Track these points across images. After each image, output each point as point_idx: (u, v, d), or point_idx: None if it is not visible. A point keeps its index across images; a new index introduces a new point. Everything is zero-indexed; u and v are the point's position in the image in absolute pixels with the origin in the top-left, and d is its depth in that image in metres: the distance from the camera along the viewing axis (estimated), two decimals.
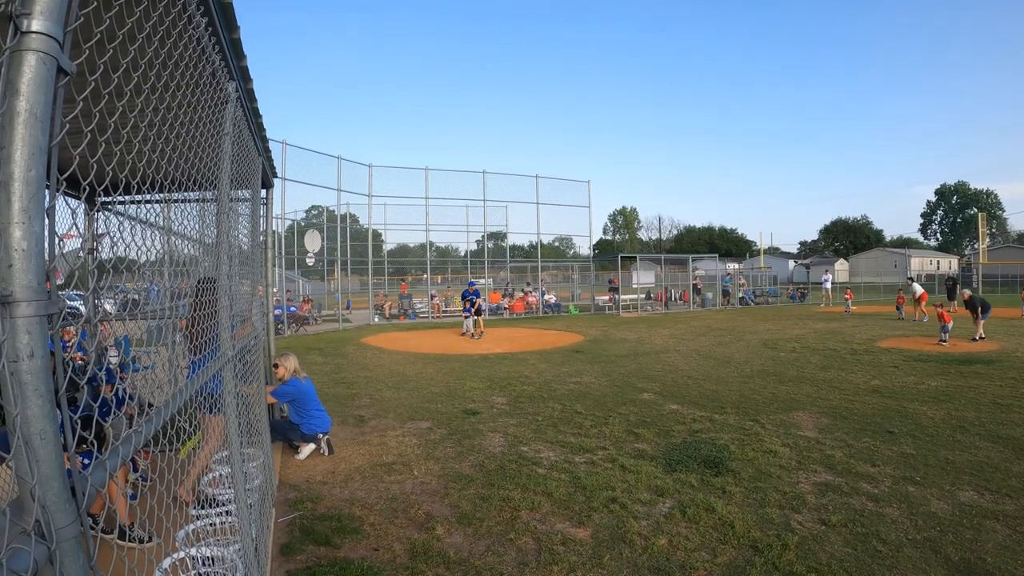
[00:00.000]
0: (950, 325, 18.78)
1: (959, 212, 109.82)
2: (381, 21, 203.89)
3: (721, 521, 5.60)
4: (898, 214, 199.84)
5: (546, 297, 33.75)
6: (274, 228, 20.98)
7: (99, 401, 1.68)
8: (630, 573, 4.72)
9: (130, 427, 1.75)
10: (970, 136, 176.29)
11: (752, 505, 6.03)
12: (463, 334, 22.34)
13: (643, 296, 35.61)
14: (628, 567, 4.81)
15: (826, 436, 8.53)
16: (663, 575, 4.68)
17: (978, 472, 7.15)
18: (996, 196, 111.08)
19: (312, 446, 7.79)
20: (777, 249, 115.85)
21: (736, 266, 58.12)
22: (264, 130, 5.95)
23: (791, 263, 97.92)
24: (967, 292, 21.14)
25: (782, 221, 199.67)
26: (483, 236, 33.93)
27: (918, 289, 27.22)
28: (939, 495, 6.44)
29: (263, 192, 7.73)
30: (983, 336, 19.17)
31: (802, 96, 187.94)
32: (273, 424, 7.75)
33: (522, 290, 34.39)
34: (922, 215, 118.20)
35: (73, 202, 6.36)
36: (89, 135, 1.52)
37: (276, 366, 8.03)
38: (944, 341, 18.44)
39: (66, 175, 1.38)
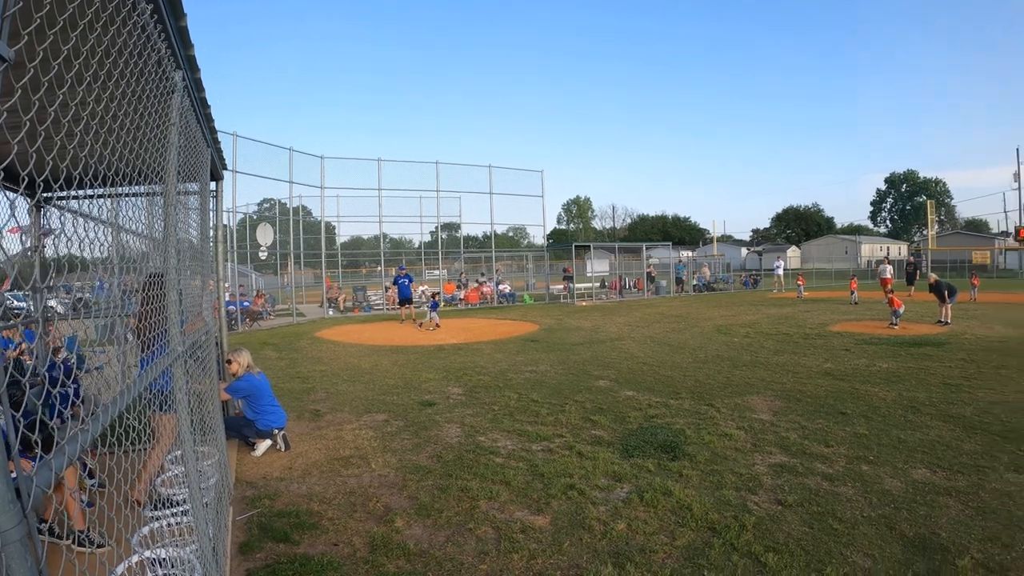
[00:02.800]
0: (901, 310, 19.23)
1: (908, 200, 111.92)
2: (330, 9, 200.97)
3: (679, 504, 5.66)
4: (849, 202, 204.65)
5: (500, 287, 33.70)
6: (225, 222, 20.73)
7: (45, 400, 1.63)
8: (590, 558, 4.74)
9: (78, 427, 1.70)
10: (920, 126, 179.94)
11: (709, 488, 6.11)
12: (419, 325, 22.15)
13: (597, 285, 35.74)
14: (588, 552, 4.84)
15: (780, 419, 8.68)
16: (623, 559, 4.70)
17: (930, 450, 7.33)
18: (945, 184, 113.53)
19: (268, 442, 7.70)
20: (730, 237, 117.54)
21: (690, 254, 58.65)
22: (212, 121, 5.83)
23: (744, 250, 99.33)
24: (933, 276, 21.53)
25: (735, 209, 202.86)
26: (437, 227, 33.80)
27: (887, 271, 27.87)
28: (892, 473, 6.59)
29: (212, 184, 7.60)
30: (949, 320, 19.64)
31: (754, 84, 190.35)
32: (227, 421, 7.65)
33: (477, 280, 34.32)
34: (872, 203, 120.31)
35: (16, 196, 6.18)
36: (28, 124, 1.46)
37: (229, 362, 7.92)
38: (894, 325, 18.89)
39: (3, 165, 1.32)
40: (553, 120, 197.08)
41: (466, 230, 34.88)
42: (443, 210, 32.09)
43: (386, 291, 31.22)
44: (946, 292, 19.77)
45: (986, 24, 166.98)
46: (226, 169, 8.52)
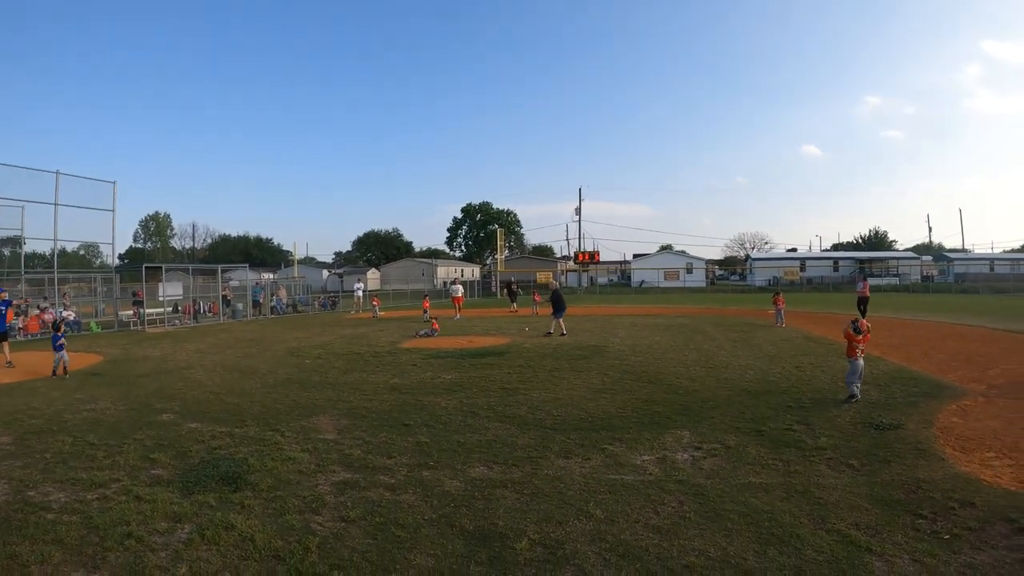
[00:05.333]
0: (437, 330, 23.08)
1: (483, 227, 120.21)
2: None
3: (241, 537, 5.44)
4: (427, 228, 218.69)
5: (64, 314, 29.52)
6: None
7: None
8: None
9: None
10: (496, 164, 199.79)
11: (272, 514, 5.98)
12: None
13: (170, 309, 33.37)
14: None
15: (345, 436, 8.83)
16: None
17: (487, 449, 7.95)
18: (516, 215, 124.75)
19: None
20: (313, 259, 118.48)
21: (270, 276, 57.85)
22: None
23: (326, 272, 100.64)
24: (555, 284, 23.91)
25: (319, 232, 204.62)
26: None
27: (458, 291, 29.74)
28: (452, 475, 7.01)
29: None
30: (563, 333, 21.97)
31: (336, 114, 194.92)
32: None
33: (38, 307, 29.75)
34: (449, 229, 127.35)
35: None
36: None
37: None
38: (429, 334, 22.40)
39: None
40: (126, 129, 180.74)
41: (34, 246, 30.24)
42: (3, 221, 26.90)
43: None
44: (554, 306, 22.62)
45: (558, 81, 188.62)
46: None
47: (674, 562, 4.83)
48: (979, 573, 4.60)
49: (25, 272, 29.48)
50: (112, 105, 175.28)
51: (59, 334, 15.89)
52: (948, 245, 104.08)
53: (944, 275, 75.96)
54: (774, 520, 5.59)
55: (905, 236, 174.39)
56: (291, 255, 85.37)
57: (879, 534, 5.27)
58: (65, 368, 15.50)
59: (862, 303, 26.01)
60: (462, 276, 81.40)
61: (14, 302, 23.27)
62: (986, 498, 6.03)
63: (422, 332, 23.09)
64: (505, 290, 38.72)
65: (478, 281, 74.39)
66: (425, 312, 30.36)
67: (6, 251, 30.54)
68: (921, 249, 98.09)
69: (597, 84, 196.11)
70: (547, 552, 5.03)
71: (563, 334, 21.70)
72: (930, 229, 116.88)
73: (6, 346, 17.74)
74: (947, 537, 5.18)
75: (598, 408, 10.26)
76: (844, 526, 5.42)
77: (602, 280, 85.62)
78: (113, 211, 31.21)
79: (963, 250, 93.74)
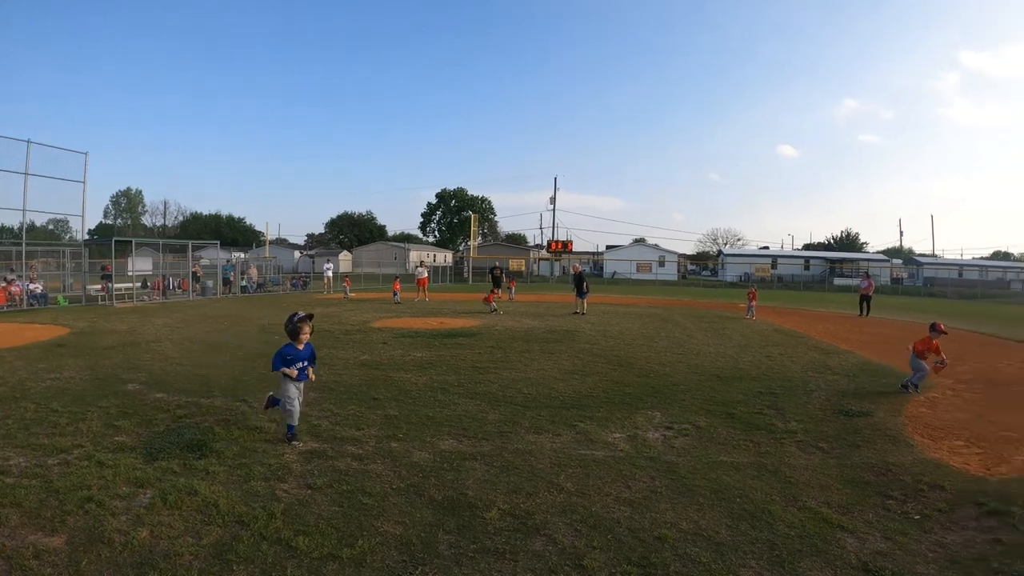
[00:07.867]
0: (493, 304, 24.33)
1: (456, 213, 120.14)
2: None
3: (205, 502, 5.38)
4: (402, 212, 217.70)
5: (31, 287, 28.87)
6: None
7: None
8: (112, 574, 4.24)
9: None
10: (472, 151, 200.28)
11: (237, 481, 5.93)
12: None
13: (139, 284, 32.88)
14: (109, 567, 4.32)
15: (313, 408, 8.74)
16: (147, 568, 4.29)
17: (457, 423, 7.95)
18: (490, 202, 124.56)
19: None
20: (285, 240, 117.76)
21: (242, 255, 57.38)
22: None
23: (297, 253, 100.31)
24: (577, 266, 24.95)
25: (291, 213, 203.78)
26: None
27: (423, 273, 30.05)
28: (421, 447, 7.01)
29: None
30: (584, 312, 23.98)
31: (308, 92, 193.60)
32: None
33: (4, 279, 29.03)
34: (423, 214, 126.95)
35: None
36: None
37: None
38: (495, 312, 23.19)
39: None
40: (97, 98, 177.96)
41: (0, 219, 29.32)
42: None
43: None
44: (580, 288, 24.23)
45: (537, 68, 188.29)
46: None
47: (646, 534, 4.86)
48: (950, 552, 4.69)
49: None
50: (85, 73, 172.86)
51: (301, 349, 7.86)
52: (919, 250, 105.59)
53: (914, 278, 77.12)
54: (746, 497, 5.66)
55: (877, 239, 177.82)
56: (263, 235, 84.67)
57: (850, 513, 5.35)
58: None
59: (865, 300, 27.35)
60: (433, 261, 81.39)
61: None
62: (955, 482, 6.15)
63: (492, 308, 24.41)
64: (493, 275, 38.94)
65: (450, 267, 74.44)
66: (396, 294, 30.43)
67: None
68: (892, 252, 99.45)
69: (575, 71, 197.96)
70: (517, 522, 5.03)
71: (582, 313, 23.76)
72: (901, 233, 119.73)
73: None
74: (917, 517, 5.27)
75: (569, 388, 10.32)
76: (815, 504, 5.50)
77: None
78: (84, 183, 30.19)
79: (933, 255, 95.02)
